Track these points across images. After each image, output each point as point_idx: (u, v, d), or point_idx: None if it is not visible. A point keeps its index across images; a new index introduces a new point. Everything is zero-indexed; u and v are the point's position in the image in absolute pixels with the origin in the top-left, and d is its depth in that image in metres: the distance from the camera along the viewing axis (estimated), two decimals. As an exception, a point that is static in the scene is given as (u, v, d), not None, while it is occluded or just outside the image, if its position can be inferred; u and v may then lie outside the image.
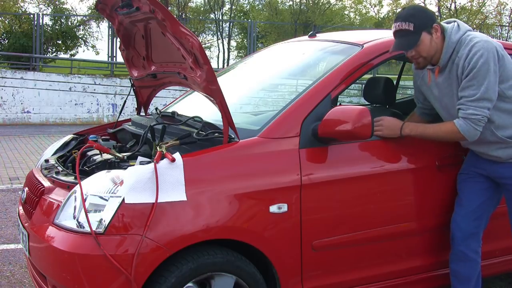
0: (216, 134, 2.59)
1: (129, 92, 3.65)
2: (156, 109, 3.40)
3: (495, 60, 2.62)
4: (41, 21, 20.17)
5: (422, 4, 34.14)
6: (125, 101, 3.69)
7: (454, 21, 2.79)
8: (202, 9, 32.23)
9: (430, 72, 2.81)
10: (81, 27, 25.83)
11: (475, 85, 2.61)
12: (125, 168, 2.43)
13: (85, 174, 2.58)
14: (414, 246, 2.94)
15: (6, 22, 23.07)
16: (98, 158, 2.75)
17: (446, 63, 2.71)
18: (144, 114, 3.71)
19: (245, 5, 36.27)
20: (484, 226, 2.90)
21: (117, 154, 2.70)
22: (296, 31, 26.78)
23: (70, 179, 2.63)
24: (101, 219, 2.25)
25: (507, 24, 28.37)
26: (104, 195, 2.30)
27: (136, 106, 3.73)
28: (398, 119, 2.85)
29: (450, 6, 28.34)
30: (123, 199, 2.25)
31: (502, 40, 13.12)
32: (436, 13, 28.75)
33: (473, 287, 2.88)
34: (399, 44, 2.70)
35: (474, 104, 2.61)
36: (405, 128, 2.78)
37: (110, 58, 19.36)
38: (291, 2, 29.77)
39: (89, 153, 2.88)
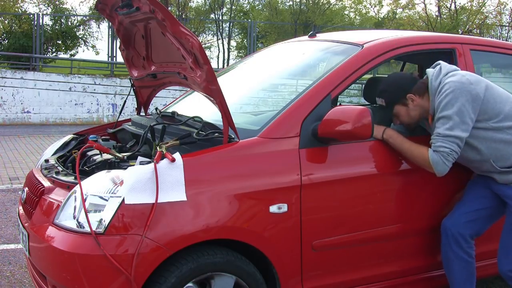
0: (216, 134, 2.58)
1: (129, 92, 3.65)
2: (156, 109, 3.40)
3: (468, 98, 2.66)
4: (41, 21, 20.18)
5: (422, 5, 34.13)
6: (125, 101, 3.69)
7: (438, 64, 2.87)
8: (202, 9, 32.21)
9: (426, 121, 2.91)
10: (81, 27, 25.82)
11: (441, 122, 2.68)
12: (125, 168, 2.43)
13: (85, 174, 2.57)
14: (414, 246, 2.94)
15: (6, 22, 23.06)
16: (98, 158, 2.75)
17: (434, 109, 2.79)
18: (144, 114, 3.71)
19: (245, 5, 36.27)
20: (475, 233, 2.91)
21: (117, 154, 2.70)
22: (296, 31, 26.78)
23: (70, 179, 2.63)
24: (101, 219, 2.25)
25: (507, 24, 28.34)
26: (104, 195, 2.30)
27: (136, 106, 3.73)
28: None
29: (450, 6, 28.31)
30: (123, 199, 2.25)
31: (502, 40, 13.11)
32: (436, 13, 28.73)
33: (465, 286, 2.89)
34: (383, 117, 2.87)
35: (442, 138, 2.66)
36: (386, 133, 2.80)
37: (110, 58, 19.36)
38: (291, 2, 29.78)
39: (89, 153, 2.88)
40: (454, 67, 2.84)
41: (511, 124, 2.76)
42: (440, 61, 2.89)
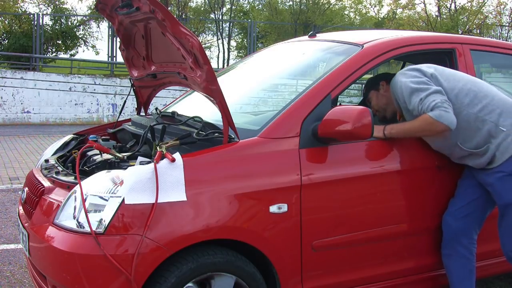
0: (216, 134, 2.59)
1: (129, 92, 3.65)
2: (156, 109, 3.40)
3: (419, 73, 2.79)
4: (41, 21, 20.18)
5: (422, 5, 34.16)
6: (125, 101, 3.69)
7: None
8: (202, 9, 32.18)
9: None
10: (81, 27, 25.79)
11: (414, 96, 2.73)
12: (125, 168, 2.43)
13: (85, 174, 2.58)
14: (414, 246, 2.94)
15: (6, 22, 23.04)
16: (98, 158, 2.75)
17: (397, 105, 2.93)
18: (144, 114, 3.72)
19: (245, 5, 36.24)
20: (476, 226, 2.93)
21: (117, 154, 2.70)
22: (296, 31, 26.75)
23: (70, 179, 2.63)
24: (101, 219, 2.25)
25: (507, 24, 28.32)
26: (104, 195, 2.30)
27: (136, 106, 3.73)
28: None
29: (450, 6, 28.30)
30: (123, 199, 2.25)
31: (502, 40, 13.09)
32: (436, 13, 28.72)
33: (464, 283, 2.90)
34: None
35: (425, 99, 2.70)
36: (387, 129, 2.82)
37: (110, 58, 19.37)
38: (291, 2, 29.73)
39: (89, 153, 2.88)
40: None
41: (468, 100, 2.79)
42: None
